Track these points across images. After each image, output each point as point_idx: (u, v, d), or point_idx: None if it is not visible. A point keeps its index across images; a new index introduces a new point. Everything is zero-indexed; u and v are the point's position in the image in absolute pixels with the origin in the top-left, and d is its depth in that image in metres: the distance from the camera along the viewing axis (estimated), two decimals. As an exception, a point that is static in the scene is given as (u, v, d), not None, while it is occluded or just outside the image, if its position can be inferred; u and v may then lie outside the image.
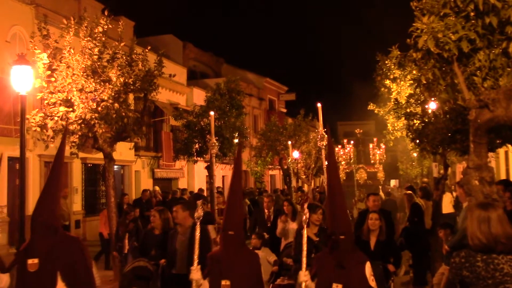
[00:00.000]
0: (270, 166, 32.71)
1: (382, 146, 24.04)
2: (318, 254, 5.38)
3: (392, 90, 17.68)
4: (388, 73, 17.88)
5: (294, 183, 36.86)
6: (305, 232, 5.05)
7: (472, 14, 5.57)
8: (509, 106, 5.31)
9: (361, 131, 26.01)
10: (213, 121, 12.55)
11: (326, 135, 9.48)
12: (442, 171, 13.78)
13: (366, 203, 9.97)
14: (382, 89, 18.87)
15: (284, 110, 45.99)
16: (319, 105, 9.77)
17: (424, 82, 6.23)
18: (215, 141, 12.03)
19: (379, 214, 7.79)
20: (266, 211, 12.24)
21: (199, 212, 5.41)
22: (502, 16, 5.34)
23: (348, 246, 4.82)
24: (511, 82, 5.50)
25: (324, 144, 9.53)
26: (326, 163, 7.06)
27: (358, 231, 7.86)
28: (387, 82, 17.97)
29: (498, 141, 10.99)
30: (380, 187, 23.68)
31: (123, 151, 20.99)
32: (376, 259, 6.87)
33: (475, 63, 5.65)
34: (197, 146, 19.80)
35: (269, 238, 10.28)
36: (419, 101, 12.50)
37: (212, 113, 12.94)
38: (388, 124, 18.83)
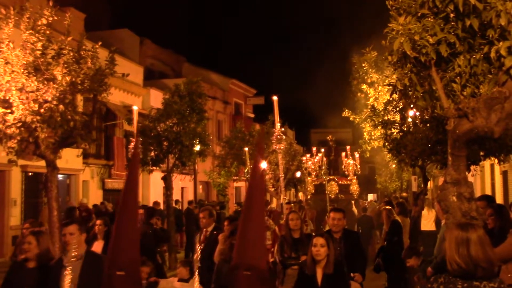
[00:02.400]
0: (235, 178, 32.70)
1: (356, 155, 24.17)
2: None
3: (369, 95, 17.93)
4: (365, 77, 18.14)
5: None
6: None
7: (451, 15, 5.69)
8: (489, 116, 5.43)
9: (333, 138, 26.02)
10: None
11: (284, 136, 9.10)
12: (422, 185, 14.05)
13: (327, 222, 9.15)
14: (359, 94, 19.14)
15: (252, 115, 46.13)
16: (274, 98, 9.02)
17: (400, 88, 6.34)
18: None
19: (327, 239, 6.66)
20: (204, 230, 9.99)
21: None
22: (483, 19, 5.45)
23: (254, 286, 4.20)
24: (492, 90, 5.62)
25: (282, 147, 8.95)
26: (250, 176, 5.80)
27: None
28: (364, 86, 18.22)
29: (481, 153, 11.24)
30: (353, 201, 23.72)
31: (70, 158, 20.69)
32: None
33: (455, 69, 5.76)
34: (152, 154, 19.65)
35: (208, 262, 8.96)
36: (397, 108, 12.69)
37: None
38: (365, 133, 19.06)
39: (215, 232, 9.32)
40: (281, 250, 8.21)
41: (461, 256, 3.69)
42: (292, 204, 16.91)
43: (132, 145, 19.76)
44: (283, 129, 9.03)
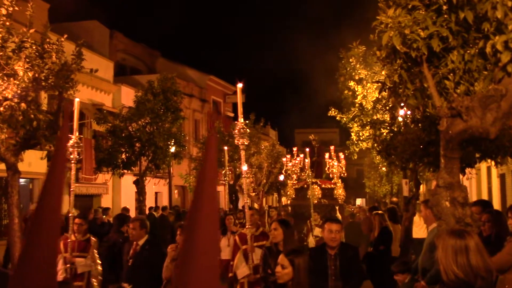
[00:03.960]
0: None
1: (341, 156, 24.11)
2: None
3: (357, 93, 17.98)
4: (353, 73, 18.18)
5: (241, 202, 36.81)
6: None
7: (444, 7, 5.70)
8: (485, 116, 5.45)
9: (316, 138, 25.89)
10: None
11: (248, 130, 8.41)
12: (414, 190, 14.11)
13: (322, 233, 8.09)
14: (346, 91, 19.16)
15: (231, 115, 46.09)
16: (239, 85, 8.47)
17: (390, 85, 6.34)
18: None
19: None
20: (134, 243, 9.15)
21: None
22: (478, 11, 5.47)
23: None
24: (488, 87, 5.65)
25: (246, 143, 8.33)
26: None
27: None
28: (352, 83, 18.26)
29: (477, 155, 11.30)
30: (337, 207, 23.51)
31: (33, 161, 20.43)
32: None
33: (448, 65, 5.78)
34: (124, 156, 19.55)
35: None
36: (387, 107, 12.74)
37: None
38: (352, 133, 19.11)
39: (147, 247, 8.63)
40: (264, 264, 7.81)
41: (460, 265, 3.65)
42: (272, 210, 16.56)
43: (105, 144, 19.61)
44: (247, 121, 8.52)
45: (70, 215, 9.75)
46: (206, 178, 2.39)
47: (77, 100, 9.65)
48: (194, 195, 2.29)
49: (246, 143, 8.32)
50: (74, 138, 9.29)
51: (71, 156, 9.33)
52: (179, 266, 2.50)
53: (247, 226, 8.94)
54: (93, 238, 9.98)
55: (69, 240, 9.32)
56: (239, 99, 8.46)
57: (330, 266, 7.06)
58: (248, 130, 8.35)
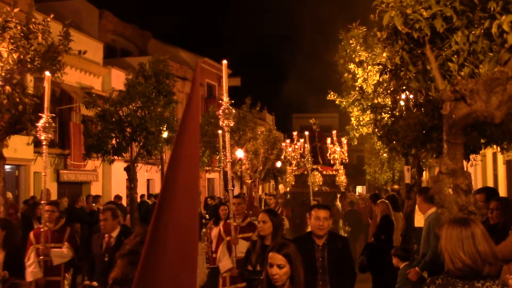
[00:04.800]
0: (208, 168, 32.69)
1: (344, 141, 24.03)
2: None
3: (357, 76, 17.95)
4: (353, 55, 18.14)
5: (237, 190, 36.93)
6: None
7: (448, -15, 5.69)
8: (490, 99, 5.44)
9: (317, 122, 25.72)
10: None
11: (233, 111, 8.03)
12: (416, 177, 14.13)
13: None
14: (346, 74, 19.12)
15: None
16: (224, 62, 8.13)
17: (391, 67, 6.33)
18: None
19: (288, 256, 4.75)
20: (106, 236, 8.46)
21: None
22: (484, -11, 5.47)
23: None
24: (493, 69, 5.64)
25: (231, 124, 8.01)
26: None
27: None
28: (352, 66, 18.22)
29: (482, 141, 11.30)
30: (339, 195, 23.45)
31: (19, 147, 20.43)
32: None
33: (451, 46, 5.77)
34: (114, 142, 19.52)
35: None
36: (388, 91, 12.72)
37: None
38: (352, 118, 19.10)
39: (123, 238, 7.36)
40: (245, 260, 7.36)
41: (467, 252, 3.70)
42: (270, 197, 16.11)
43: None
44: (233, 101, 8.06)
45: (42, 202, 9.51)
46: (184, 150, 2.03)
47: (47, 74, 9.30)
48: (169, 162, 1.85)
49: (231, 124, 7.98)
50: (44, 118, 8.93)
51: (42, 138, 8.99)
52: (144, 265, 2.03)
53: (231, 216, 8.64)
54: (68, 227, 9.62)
55: (42, 230, 9.02)
56: (225, 77, 8.13)
57: (318, 258, 6.65)
58: (233, 111, 8.03)
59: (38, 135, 9.08)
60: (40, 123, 8.91)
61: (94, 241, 8.61)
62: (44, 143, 9.10)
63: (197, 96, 2.10)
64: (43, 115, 8.92)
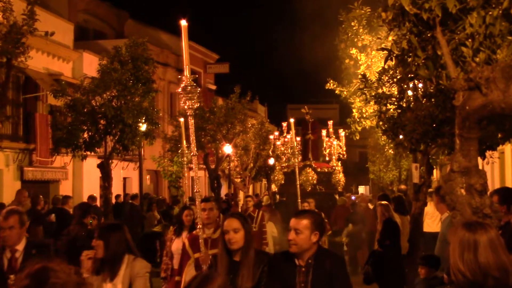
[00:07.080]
0: (192, 165, 32.57)
1: (342, 133, 23.84)
2: None
3: (360, 62, 17.94)
4: (355, 39, 18.12)
5: (225, 189, 36.87)
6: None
7: (462, -40, 5.68)
8: (508, 89, 5.42)
9: (310, 111, 25.32)
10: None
11: (198, 89, 7.10)
12: (425, 176, 14.14)
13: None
14: (347, 60, 19.09)
15: (213, 87, 46.04)
16: (183, 23, 7.05)
17: (397, 53, 6.32)
18: None
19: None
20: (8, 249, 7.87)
21: None
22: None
23: None
24: (512, 55, 5.64)
25: (196, 106, 7.12)
26: None
27: None
28: (354, 51, 18.21)
29: (499, 136, 11.32)
30: (337, 197, 23.04)
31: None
32: None
33: (465, 29, 5.76)
34: (86, 135, 19.46)
35: None
36: (394, 79, 12.70)
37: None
38: (354, 110, 19.07)
39: (34, 252, 6.83)
40: None
41: (466, 263, 3.68)
42: (249, 199, 15.38)
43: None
44: (196, 75, 6.72)
45: None
46: None
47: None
48: None
49: (195, 106, 7.07)
50: None
51: None
52: None
53: (199, 226, 7.46)
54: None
55: None
56: (184, 41, 7.08)
57: (299, 283, 5.59)
58: (198, 89, 7.11)
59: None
60: None
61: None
62: None
63: None
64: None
